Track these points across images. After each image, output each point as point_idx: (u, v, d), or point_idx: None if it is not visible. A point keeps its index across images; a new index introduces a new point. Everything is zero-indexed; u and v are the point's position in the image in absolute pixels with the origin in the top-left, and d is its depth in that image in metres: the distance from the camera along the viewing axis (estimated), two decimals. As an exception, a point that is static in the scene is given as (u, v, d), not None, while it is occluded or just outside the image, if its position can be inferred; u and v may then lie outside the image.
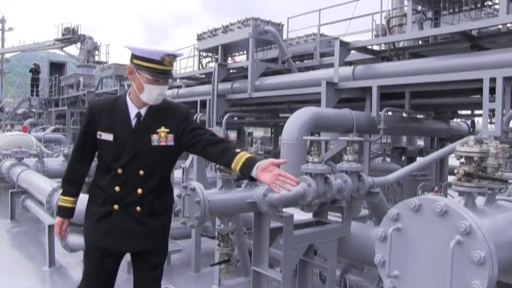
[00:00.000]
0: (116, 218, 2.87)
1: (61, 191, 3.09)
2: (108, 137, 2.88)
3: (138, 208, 2.87)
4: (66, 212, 3.04)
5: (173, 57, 2.86)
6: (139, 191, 2.86)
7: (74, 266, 6.49)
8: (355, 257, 4.46)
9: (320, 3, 10.96)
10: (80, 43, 27.21)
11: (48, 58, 35.91)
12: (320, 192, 3.42)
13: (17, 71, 60.88)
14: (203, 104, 11.79)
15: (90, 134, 2.94)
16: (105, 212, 2.89)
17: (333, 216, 4.20)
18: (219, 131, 5.71)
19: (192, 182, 3.28)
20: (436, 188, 4.88)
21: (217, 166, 3.65)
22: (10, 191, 9.71)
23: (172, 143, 2.90)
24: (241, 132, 18.96)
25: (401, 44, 8.45)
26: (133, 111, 2.92)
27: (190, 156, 8.83)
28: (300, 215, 4.07)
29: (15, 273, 6.38)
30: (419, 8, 8.02)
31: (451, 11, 7.44)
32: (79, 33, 27.07)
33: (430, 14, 8.09)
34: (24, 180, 9.08)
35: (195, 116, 11.93)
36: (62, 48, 29.00)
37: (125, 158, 2.85)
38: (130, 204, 2.87)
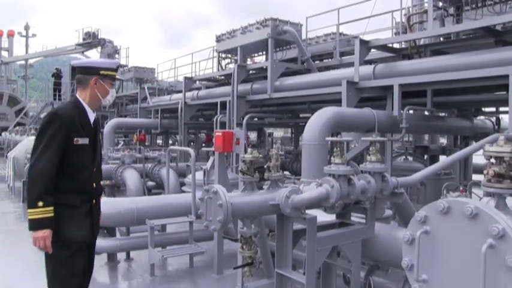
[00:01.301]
0: (94, 210, 3.35)
1: (40, 203, 3.00)
2: (84, 141, 3.26)
3: (101, 199, 3.49)
4: (51, 222, 3.06)
5: (119, 65, 3.51)
6: (102, 183, 3.54)
7: (98, 268, 6.53)
8: (379, 259, 4.40)
9: (339, 2, 10.84)
10: (100, 47, 27.51)
11: (70, 63, 36.38)
12: (343, 194, 3.38)
13: (40, 76, 61.86)
14: (223, 105, 11.79)
15: (65, 141, 3.15)
16: (87, 209, 3.27)
17: (356, 218, 4.15)
18: (241, 133, 5.69)
19: (214, 185, 3.27)
20: (461, 188, 4.77)
21: (239, 168, 3.64)
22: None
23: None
24: (261, 133, 18.94)
25: (422, 42, 8.32)
26: (91, 116, 3.41)
27: (211, 158, 8.85)
28: (323, 217, 4.03)
29: (42, 275, 6.41)
30: (441, 4, 7.89)
31: (474, 6, 7.28)
32: (99, 37, 27.39)
33: (451, 10, 7.94)
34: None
35: (216, 117, 11.95)
36: (83, 52, 29.36)
37: (96, 157, 3.38)
38: (98, 197, 3.43)
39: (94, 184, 3.34)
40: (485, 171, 2.34)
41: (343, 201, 3.52)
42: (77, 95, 3.40)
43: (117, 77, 3.61)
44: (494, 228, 1.95)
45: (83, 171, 3.25)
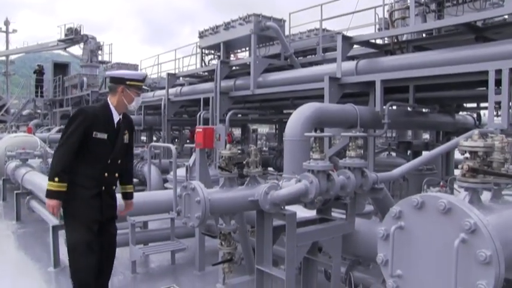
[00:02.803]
0: (103, 196, 3.95)
1: (56, 179, 3.77)
2: (102, 136, 3.90)
3: (114, 187, 4.13)
4: (62, 195, 3.82)
5: (146, 76, 4.28)
6: (117, 175, 4.11)
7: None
8: (360, 254, 4.41)
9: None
10: (82, 43, 27.21)
11: (52, 59, 35.96)
12: (323, 190, 3.37)
13: (22, 73, 61.01)
14: (206, 101, 11.74)
15: (85, 134, 3.82)
16: (95, 193, 3.89)
17: (337, 213, 4.15)
18: (221, 129, 5.66)
19: (192, 181, 3.24)
20: (441, 183, 4.80)
21: (218, 164, 3.61)
22: (15, 192, 9.71)
23: (127, 142, 4.19)
24: (245, 129, 18.91)
25: (404, 37, 8.35)
26: (116, 117, 4.05)
27: (194, 154, 8.80)
28: (304, 212, 4.02)
29: (21, 274, 6.37)
30: (422, 0, 7.92)
31: (455, 2, 7.33)
32: (82, 33, 27.08)
33: (433, 6, 7.98)
34: (29, 182, 9.07)
35: (199, 113, 11.89)
36: (65, 48, 29.04)
37: (115, 151, 3.99)
38: (110, 185, 4.06)
39: (106, 174, 3.95)
40: (460, 166, 2.35)
41: (322, 197, 3.50)
42: (108, 99, 4.09)
43: (144, 87, 4.31)
44: (466, 223, 1.94)
45: (99, 161, 3.91)
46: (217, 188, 3.60)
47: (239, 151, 3.66)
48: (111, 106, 4.05)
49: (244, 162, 3.57)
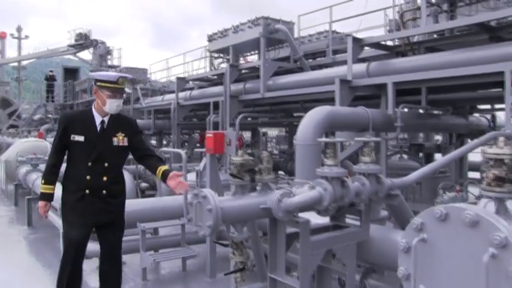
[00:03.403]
0: (87, 199, 3.87)
1: (43, 181, 4.04)
2: (80, 138, 3.90)
3: (104, 191, 3.93)
4: (49, 197, 4.04)
5: (125, 78, 4.05)
6: (105, 178, 3.93)
7: (90, 272, 6.40)
8: (374, 261, 4.30)
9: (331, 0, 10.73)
10: (92, 48, 27.34)
11: (63, 64, 36.20)
12: (337, 197, 3.27)
13: (33, 78, 61.54)
14: (216, 105, 11.68)
15: (64, 138, 3.93)
16: (80, 196, 3.87)
17: (350, 219, 4.05)
18: (232, 134, 5.58)
19: (203, 189, 3.16)
20: (457, 187, 4.68)
21: (230, 171, 3.53)
22: (26, 197, 9.73)
23: (126, 144, 4.06)
24: (255, 133, 18.82)
25: (415, 39, 8.23)
26: (98, 119, 4.01)
27: (204, 159, 8.74)
28: (317, 219, 3.93)
29: (32, 279, 6.35)
30: (434, 0, 7.80)
31: (468, 2, 7.20)
32: (91, 38, 27.22)
33: (445, 6, 7.85)
34: (37, 185, 9.08)
35: (208, 117, 11.84)
36: (75, 53, 29.19)
37: (95, 153, 3.90)
38: (98, 189, 3.91)
39: (89, 177, 3.86)
40: (484, 174, 2.24)
41: (336, 203, 3.41)
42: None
43: (126, 89, 3.94)
44: (496, 237, 1.82)
45: (79, 163, 3.91)
46: (229, 196, 3.52)
47: (251, 158, 3.57)
48: (92, 109, 4.05)
49: (256, 169, 3.48)
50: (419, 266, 2.07)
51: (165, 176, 3.89)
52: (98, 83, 3.99)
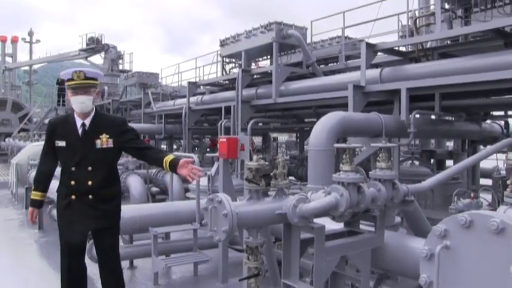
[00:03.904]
0: (74, 205, 3.78)
1: (33, 187, 4.08)
2: (62, 143, 3.84)
3: (90, 196, 3.77)
4: (36, 203, 4.06)
5: (79, 72, 3.80)
6: (90, 183, 3.77)
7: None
8: (389, 268, 4.26)
9: (343, 5, 10.70)
10: (103, 52, 27.50)
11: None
12: (353, 203, 3.25)
13: (44, 82, 62.14)
14: (227, 110, 11.69)
15: (50, 143, 3.91)
16: (67, 202, 3.80)
17: (364, 225, 4.03)
18: (246, 139, 5.56)
19: (218, 193, 3.14)
20: (472, 194, 4.63)
21: (245, 176, 3.51)
22: (38, 201, 9.75)
23: (111, 146, 3.87)
24: (266, 138, 18.81)
25: (428, 44, 8.18)
26: (79, 122, 3.87)
27: (216, 163, 8.73)
28: (331, 224, 3.90)
29: (44, 283, 6.36)
30: (447, 5, 7.75)
31: (483, 7, 7.15)
32: (103, 42, 27.38)
33: (460, 12, 7.81)
34: (51, 191, 9.10)
35: (220, 122, 11.84)
36: (86, 58, 29.40)
37: (77, 158, 3.78)
38: (84, 194, 3.77)
39: (73, 182, 3.77)
40: (509, 181, 2.20)
41: (352, 209, 3.39)
42: None
43: (81, 82, 3.83)
44: (524, 245, 1.79)
45: (65, 169, 3.87)
46: (244, 201, 3.50)
47: (267, 163, 3.55)
48: (74, 113, 3.93)
49: (271, 174, 3.46)
50: (442, 274, 2.04)
51: (173, 165, 3.71)
52: (65, 83, 3.92)
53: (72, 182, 3.78)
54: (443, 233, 2.05)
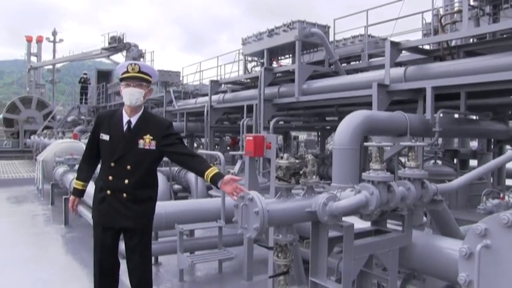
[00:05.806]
0: (108, 200, 3.77)
1: (76, 177, 4.13)
2: (106, 137, 3.82)
3: (124, 195, 3.74)
4: (77, 193, 4.08)
5: (135, 65, 3.80)
6: (126, 181, 3.72)
7: (126, 272, 6.52)
8: (416, 267, 4.24)
9: (365, 3, 10.63)
10: (125, 51, 27.76)
11: (95, 66, 36.98)
12: (383, 201, 3.26)
13: (67, 80, 63.00)
14: (249, 108, 11.73)
15: (96, 135, 3.90)
16: (103, 196, 3.80)
17: (391, 224, 4.02)
18: (272, 138, 5.57)
19: (249, 191, 3.18)
20: (502, 195, 4.58)
21: (276, 174, 3.54)
22: (64, 197, 9.93)
23: (154, 148, 3.78)
24: (287, 136, 18.82)
25: (453, 43, 8.10)
26: (125, 119, 3.83)
27: (239, 161, 8.78)
28: (357, 223, 3.90)
29: (70, 278, 6.46)
30: (472, 2, 7.66)
31: (512, 3, 7.05)
32: (125, 41, 27.64)
33: (488, 9, 7.70)
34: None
35: (242, 121, 11.89)
36: (108, 56, 29.71)
37: (117, 154, 3.75)
38: (119, 191, 3.74)
39: (111, 177, 3.76)
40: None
41: (381, 208, 3.40)
42: None
43: (135, 75, 3.80)
44: None
45: (105, 162, 3.85)
46: (273, 198, 3.53)
47: (297, 161, 3.57)
48: (122, 109, 3.90)
49: (301, 172, 3.49)
50: (483, 273, 2.03)
51: (215, 180, 3.50)
52: (120, 77, 3.90)
53: (110, 178, 3.75)
54: (483, 232, 2.05)
